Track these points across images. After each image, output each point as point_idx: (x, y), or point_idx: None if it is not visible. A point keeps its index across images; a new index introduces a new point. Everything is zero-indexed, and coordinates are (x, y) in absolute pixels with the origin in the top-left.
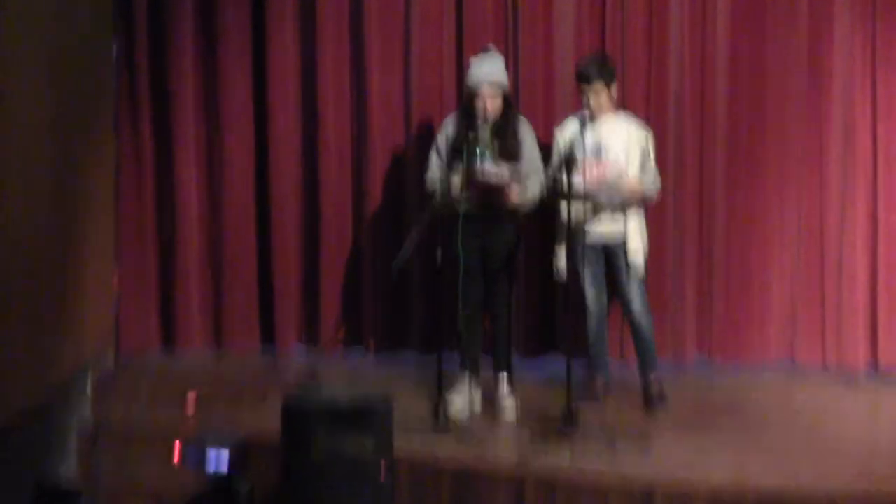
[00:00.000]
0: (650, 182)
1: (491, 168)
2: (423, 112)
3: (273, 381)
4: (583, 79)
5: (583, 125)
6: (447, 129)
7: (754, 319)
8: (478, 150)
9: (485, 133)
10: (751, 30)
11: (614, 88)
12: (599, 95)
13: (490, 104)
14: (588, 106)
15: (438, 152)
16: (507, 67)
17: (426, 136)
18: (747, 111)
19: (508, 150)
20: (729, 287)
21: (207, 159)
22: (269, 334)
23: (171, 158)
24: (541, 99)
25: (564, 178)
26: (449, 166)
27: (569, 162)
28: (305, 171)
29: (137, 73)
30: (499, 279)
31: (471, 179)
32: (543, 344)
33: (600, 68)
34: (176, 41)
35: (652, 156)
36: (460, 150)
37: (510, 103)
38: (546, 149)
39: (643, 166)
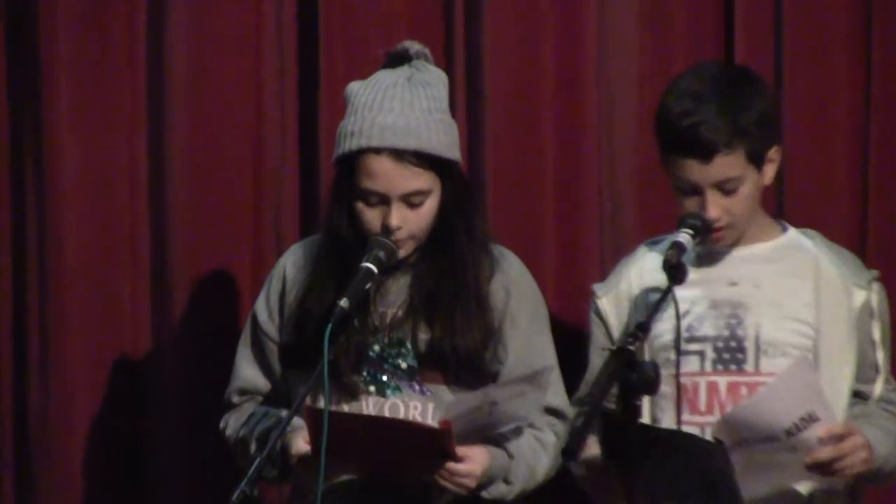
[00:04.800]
0: (885, 429)
1: (413, 408)
2: (214, 243)
3: None
4: (695, 144)
5: (674, 272)
6: (281, 289)
7: None
8: (372, 350)
9: (392, 297)
10: None
11: (774, 165)
12: (741, 188)
13: (402, 215)
14: (699, 223)
15: (257, 346)
16: (454, 106)
17: (223, 309)
18: None
19: (457, 347)
20: None
21: None
22: None
23: None
24: (551, 189)
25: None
26: (276, 398)
27: (633, 378)
28: None
29: None
30: None
31: (335, 431)
32: None
33: (741, 113)
34: None
35: (882, 352)
36: (317, 346)
37: (467, 208)
38: (572, 338)
39: (862, 380)
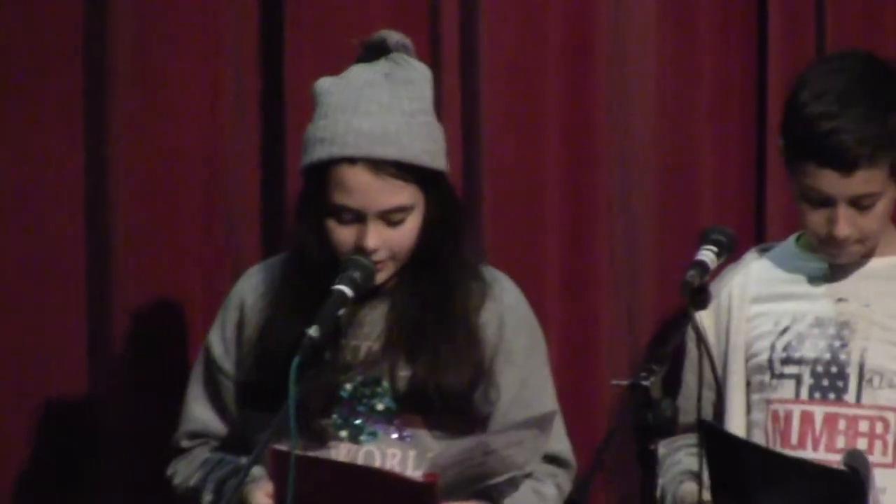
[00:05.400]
0: None
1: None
2: (160, 266)
3: None
4: (837, 154)
5: (696, 296)
6: (238, 318)
7: None
8: (343, 389)
9: (367, 328)
10: None
11: None
12: (877, 204)
13: (380, 235)
14: (724, 238)
15: (210, 384)
16: (439, 109)
17: (171, 342)
18: None
19: (443, 387)
20: None
21: None
22: None
23: None
24: (556, 200)
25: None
26: (232, 442)
27: (648, 418)
28: None
29: None
30: None
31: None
32: None
33: (889, 119)
34: None
35: None
36: (281, 384)
37: (455, 225)
38: (577, 375)
39: None
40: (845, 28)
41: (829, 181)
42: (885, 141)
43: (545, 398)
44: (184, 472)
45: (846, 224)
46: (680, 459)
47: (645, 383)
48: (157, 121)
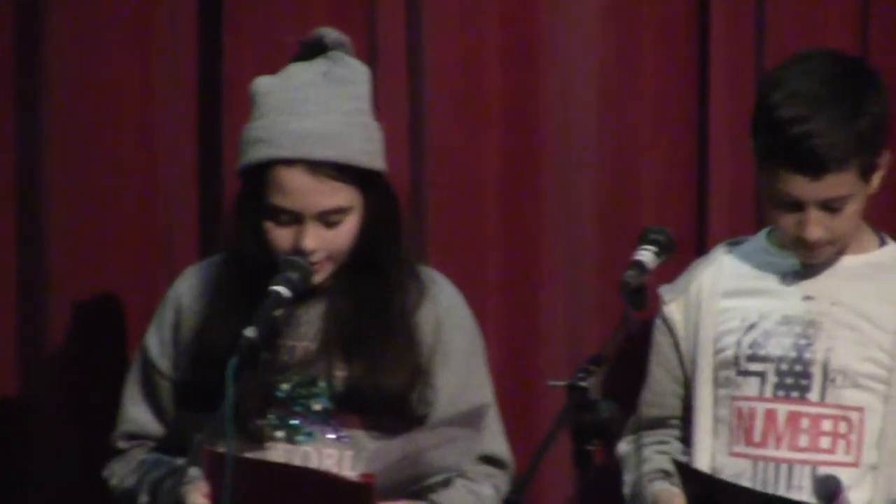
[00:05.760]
0: None
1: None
2: (96, 266)
3: None
4: (806, 158)
5: (635, 296)
6: (175, 319)
7: None
8: (280, 390)
9: (304, 328)
10: None
11: (883, 172)
12: (848, 206)
13: (318, 236)
14: (663, 237)
15: (147, 385)
16: (383, 107)
17: (106, 342)
18: None
19: (381, 387)
20: None
21: None
22: None
23: None
24: (494, 198)
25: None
26: (168, 443)
27: (586, 419)
28: None
29: None
30: None
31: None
32: None
33: (857, 121)
34: None
35: None
36: (218, 386)
37: (393, 225)
38: (519, 377)
39: None
40: (785, 26)
41: (798, 185)
42: (856, 144)
43: (481, 394)
44: (120, 473)
45: (817, 227)
46: (649, 457)
47: (583, 384)
48: (92, 119)
